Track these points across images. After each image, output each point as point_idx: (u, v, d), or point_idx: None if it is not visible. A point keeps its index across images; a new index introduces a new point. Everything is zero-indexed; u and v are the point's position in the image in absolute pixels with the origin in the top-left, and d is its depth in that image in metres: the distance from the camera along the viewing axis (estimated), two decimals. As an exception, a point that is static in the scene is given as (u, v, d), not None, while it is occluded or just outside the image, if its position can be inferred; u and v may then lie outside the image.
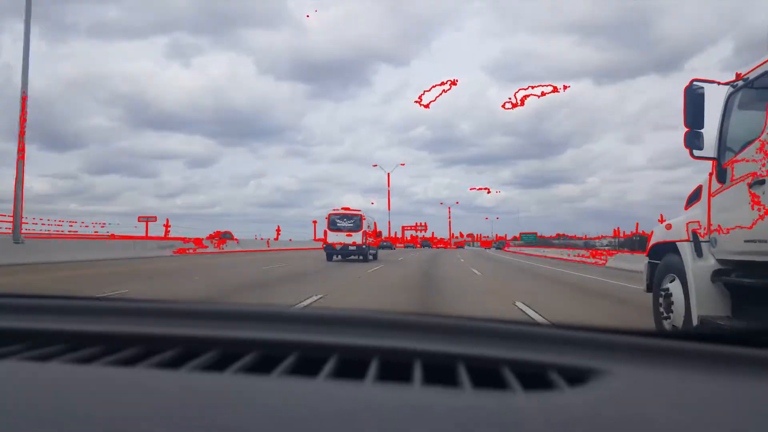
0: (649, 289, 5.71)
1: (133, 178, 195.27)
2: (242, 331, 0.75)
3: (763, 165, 3.75)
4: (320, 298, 8.63)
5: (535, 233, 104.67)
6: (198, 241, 31.10)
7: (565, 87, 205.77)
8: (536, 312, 7.42)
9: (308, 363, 0.66)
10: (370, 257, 25.17)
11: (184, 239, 29.99)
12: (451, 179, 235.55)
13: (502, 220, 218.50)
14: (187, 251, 28.52)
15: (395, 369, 0.65)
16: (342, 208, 23.84)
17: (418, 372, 0.63)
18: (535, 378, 0.62)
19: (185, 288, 10.12)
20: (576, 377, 0.61)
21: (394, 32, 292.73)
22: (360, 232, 23.06)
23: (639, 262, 9.11)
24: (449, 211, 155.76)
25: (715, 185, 4.49)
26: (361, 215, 23.43)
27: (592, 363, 0.64)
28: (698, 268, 4.52)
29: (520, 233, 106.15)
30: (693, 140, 4.42)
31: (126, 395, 0.53)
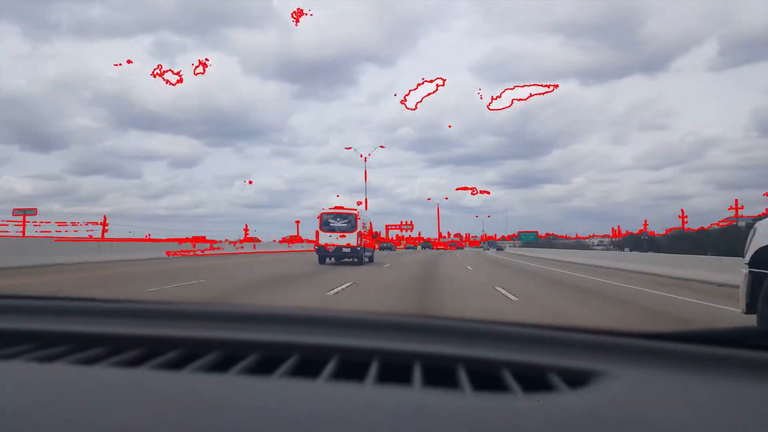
0: (750, 309, 4.21)
1: (117, 179, 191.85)
2: (244, 333, 0.76)
3: None
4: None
5: (536, 232, 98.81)
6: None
7: (552, 87, 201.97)
8: None
9: (309, 364, 0.67)
10: (366, 260, 23.10)
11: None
12: (437, 179, 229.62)
13: (489, 221, 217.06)
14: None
15: (395, 371, 0.65)
16: (335, 207, 21.54)
17: (418, 374, 0.64)
18: (535, 380, 0.62)
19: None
20: (576, 379, 0.61)
21: (380, 32, 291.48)
22: (355, 233, 20.80)
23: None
24: (438, 210, 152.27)
25: None
26: (356, 214, 21.21)
27: (592, 365, 0.65)
28: None
29: (518, 232, 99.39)
30: None
31: (130, 396, 0.54)
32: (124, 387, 0.57)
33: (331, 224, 21.14)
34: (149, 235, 36.80)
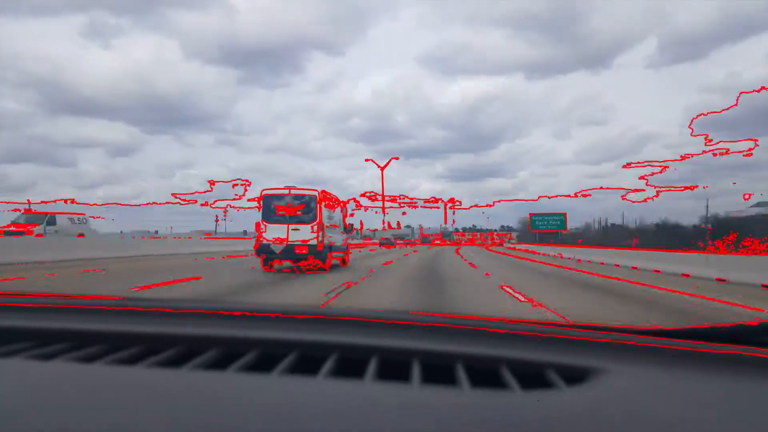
0: None
1: (49, 167, 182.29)
2: (243, 330, 0.76)
3: None
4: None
5: (564, 214, 60.66)
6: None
7: (496, 82, 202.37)
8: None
9: (308, 362, 0.67)
10: (337, 262, 16.24)
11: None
12: (387, 171, 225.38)
13: (436, 214, 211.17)
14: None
15: (394, 368, 0.66)
16: (285, 187, 14.20)
17: (416, 371, 0.64)
18: (533, 377, 0.63)
19: None
20: (574, 376, 0.62)
21: (329, 18, 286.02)
22: (315, 224, 13.65)
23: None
24: (445, 207, 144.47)
25: None
26: (316, 196, 13.95)
27: (591, 362, 0.65)
28: None
29: (530, 214, 63.12)
30: None
31: (129, 394, 0.55)
32: (123, 385, 0.57)
33: (279, 211, 13.89)
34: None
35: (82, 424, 0.46)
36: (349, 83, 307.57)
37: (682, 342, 0.73)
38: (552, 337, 0.75)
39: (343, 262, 17.15)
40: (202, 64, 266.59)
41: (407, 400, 0.54)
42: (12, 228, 23.42)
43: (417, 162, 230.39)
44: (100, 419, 0.47)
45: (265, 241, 13.78)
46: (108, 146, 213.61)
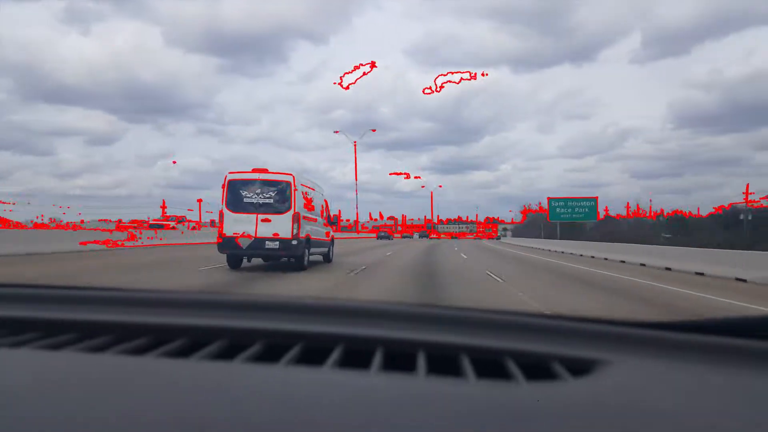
0: None
1: (27, 156, 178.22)
2: (250, 321, 0.76)
3: None
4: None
5: (596, 198, 44.84)
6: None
7: (483, 74, 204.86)
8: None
9: (314, 353, 0.68)
10: (321, 258, 14.37)
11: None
12: (371, 164, 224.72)
13: (420, 206, 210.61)
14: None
15: (400, 359, 0.66)
16: (253, 170, 11.90)
17: (422, 362, 0.64)
18: (538, 369, 0.63)
19: None
20: (579, 368, 0.62)
21: (313, 6, 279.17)
22: (289, 215, 11.44)
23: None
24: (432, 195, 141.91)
25: None
26: (291, 181, 11.70)
27: (595, 354, 0.65)
28: None
29: (548, 198, 47.20)
30: None
31: (137, 384, 0.55)
32: (131, 375, 0.58)
33: (246, 199, 11.63)
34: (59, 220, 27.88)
35: (92, 415, 0.47)
36: (333, 74, 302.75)
37: (686, 335, 0.72)
38: (556, 328, 0.75)
39: (328, 259, 14.86)
40: (184, 52, 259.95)
41: (413, 391, 0.54)
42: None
43: (400, 154, 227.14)
44: (110, 409, 0.48)
45: (228, 235, 11.44)
46: (87, 135, 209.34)
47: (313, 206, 13.11)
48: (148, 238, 21.92)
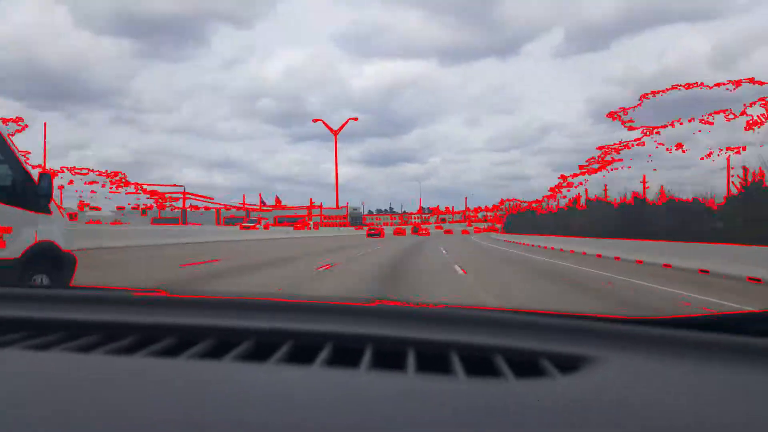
0: None
1: None
2: (238, 320, 0.76)
3: None
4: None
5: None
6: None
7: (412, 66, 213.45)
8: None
9: (303, 351, 0.68)
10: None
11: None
12: (302, 155, 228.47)
13: (353, 198, 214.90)
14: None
15: (389, 357, 0.66)
16: None
17: (411, 360, 0.64)
18: (527, 366, 0.63)
19: None
20: (568, 365, 0.62)
21: None
22: None
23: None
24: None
25: None
26: None
27: (584, 350, 0.65)
28: None
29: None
30: None
31: (125, 383, 0.55)
32: (119, 374, 0.57)
33: None
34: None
35: (80, 414, 0.46)
36: (258, 60, 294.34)
37: (675, 331, 0.73)
38: (545, 325, 0.75)
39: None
40: (95, 34, 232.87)
41: (402, 389, 0.54)
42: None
43: (332, 145, 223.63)
44: (98, 409, 0.47)
45: None
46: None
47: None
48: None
